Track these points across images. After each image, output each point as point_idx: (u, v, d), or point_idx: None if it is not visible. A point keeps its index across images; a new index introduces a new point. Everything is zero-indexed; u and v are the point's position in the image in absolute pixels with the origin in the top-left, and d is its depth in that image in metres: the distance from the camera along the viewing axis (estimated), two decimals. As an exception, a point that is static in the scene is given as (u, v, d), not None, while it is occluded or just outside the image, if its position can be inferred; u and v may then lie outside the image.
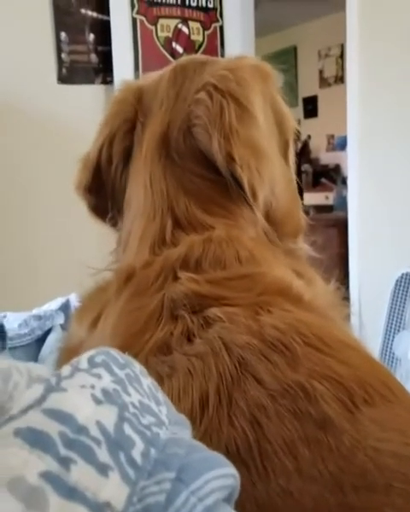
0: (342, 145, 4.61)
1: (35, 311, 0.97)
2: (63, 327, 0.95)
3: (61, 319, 0.97)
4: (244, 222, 0.70)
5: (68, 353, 0.64)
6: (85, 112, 2.68)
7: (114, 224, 0.82)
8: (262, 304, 0.58)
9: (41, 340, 0.92)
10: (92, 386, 0.33)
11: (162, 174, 0.72)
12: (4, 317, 0.92)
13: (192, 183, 0.70)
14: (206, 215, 0.69)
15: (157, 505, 0.31)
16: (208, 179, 0.71)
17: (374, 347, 2.63)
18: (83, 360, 0.36)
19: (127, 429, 0.33)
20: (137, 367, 0.39)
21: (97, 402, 0.33)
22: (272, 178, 0.72)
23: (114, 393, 0.34)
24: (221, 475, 0.34)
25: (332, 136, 5.32)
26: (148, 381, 0.39)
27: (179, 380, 0.51)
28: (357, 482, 0.42)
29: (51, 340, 0.90)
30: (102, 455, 0.30)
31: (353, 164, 2.83)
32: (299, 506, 0.42)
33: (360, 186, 2.79)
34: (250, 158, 0.69)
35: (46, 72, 2.77)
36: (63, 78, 2.81)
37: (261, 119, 0.72)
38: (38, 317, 0.94)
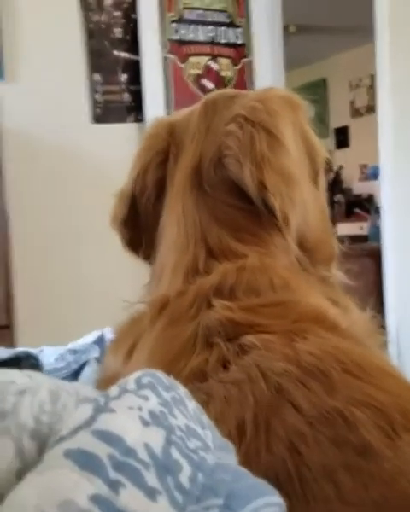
0: (374, 174, 4.60)
1: (71, 346, 0.99)
2: (98, 360, 0.96)
3: (96, 352, 0.98)
4: (277, 250, 0.71)
5: (105, 384, 0.64)
6: (118, 149, 2.74)
7: (147, 256, 0.83)
8: (298, 331, 0.58)
9: (76, 374, 0.93)
10: (140, 408, 0.33)
11: (194, 205, 0.73)
12: (41, 351, 0.94)
13: (224, 213, 0.72)
14: (239, 244, 0.69)
15: None
16: (240, 208, 0.72)
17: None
18: (130, 381, 0.35)
19: (175, 453, 0.32)
20: (182, 390, 0.39)
21: (145, 424, 0.32)
22: (304, 206, 0.73)
23: (160, 416, 0.34)
24: (269, 504, 0.34)
25: (365, 166, 5.32)
26: (193, 405, 0.39)
27: (216, 407, 0.51)
28: (400, 509, 0.42)
29: (87, 373, 0.92)
30: (151, 478, 0.30)
31: (386, 193, 2.83)
32: None
33: (394, 215, 2.78)
34: (282, 185, 0.70)
35: (81, 112, 2.86)
36: (97, 118, 2.89)
37: (292, 148, 0.73)
38: (74, 351, 0.96)
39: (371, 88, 5.24)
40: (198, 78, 3.31)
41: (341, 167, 5.54)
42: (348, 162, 5.49)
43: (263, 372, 0.52)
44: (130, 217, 0.83)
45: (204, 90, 3.33)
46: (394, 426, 0.47)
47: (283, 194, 0.70)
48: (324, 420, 0.48)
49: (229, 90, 0.85)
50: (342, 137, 5.68)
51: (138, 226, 0.83)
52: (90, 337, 1.02)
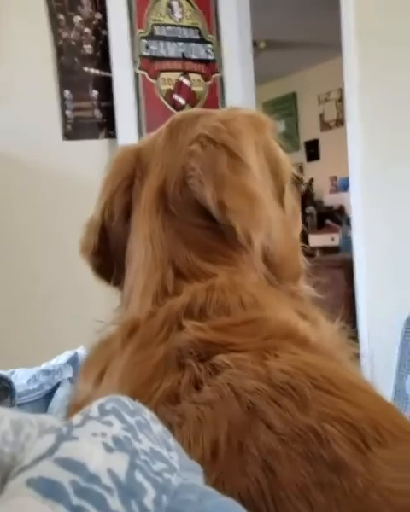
0: (344, 186, 4.66)
1: (44, 366, 0.99)
2: (71, 380, 0.97)
3: (69, 373, 0.98)
4: (245, 267, 0.71)
5: (76, 410, 0.64)
6: (90, 166, 2.74)
7: (119, 282, 0.82)
8: (269, 348, 0.58)
9: (50, 395, 0.93)
10: (103, 434, 0.33)
11: (161, 227, 0.73)
12: (13, 373, 0.94)
13: (191, 234, 0.72)
14: (207, 263, 0.70)
15: None
16: (207, 228, 0.72)
17: (386, 388, 2.61)
18: (94, 408, 0.36)
19: (139, 476, 0.33)
20: (148, 413, 0.39)
21: (108, 450, 0.33)
22: (268, 223, 0.73)
23: (124, 441, 0.34)
24: None
25: (335, 178, 5.38)
26: (159, 428, 0.39)
27: (190, 428, 0.51)
28: None
29: (60, 394, 0.92)
30: (114, 503, 0.30)
31: (356, 204, 2.87)
32: None
33: (364, 226, 2.82)
34: (243, 204, 0.70)
35: (51, 128, 2.86)
36: (68, 134, 2.89)
37: (255, 168, 0.74)
38: (47, 372, 0.96)
39: (340, 101, 5.32)
40: (170, 93, 3.33)
41: (312, 180, 5.60)
42: (318, 175, 5.55)
43: (235, 391, 0.52)
44: (100, 244, 0.83)
45: (176, 105, 3.35)
46: (365, 440, 0.48)
47: (244, 213, 0.70)
48: (296, 437, 0.48)
49: (195, 110, 0.86)
50: (312, 150, 5.75)
51: (109, 253, 0.83)
52: (64, 357, 1.02)
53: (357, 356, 0.74)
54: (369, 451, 0.47)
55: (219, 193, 0.70)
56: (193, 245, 0.71)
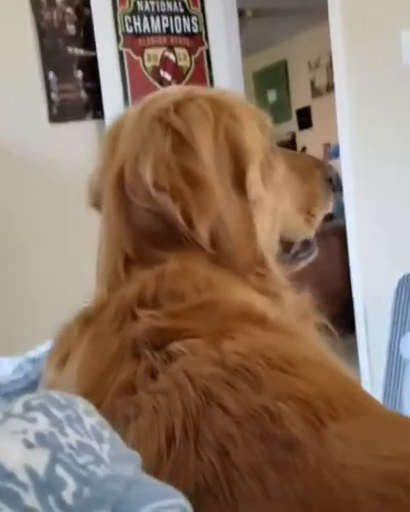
0: (337, 153, 4.64)
1: (28, 355, 1.01)
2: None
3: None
4: (196, 252, 0.69)
5: None
6: (78, 148, 2.74)
7: None
8: (224, 331, 0.58)
9: (36, 383, 0.95)
10: (25, 431, 0.34)
11: (116, 211, 0.72)
12: (-3, 364, 0.96)
13: (143, 219, 0.70)
14: (157, 249, 0.69)
15: None
16: (158, 213, 0.70)
17: (381, 351, 2.65)
18: (18, 405, 0.37)
19: (60, 470, 0.34)
20: (81, 407, 0.40)
21: (29, 446, 0.34)
22: (219, 210, 0.70)
23: (48, 436, 0.35)
24: (161, 507, 0.35)
25: (328, 145, 5.35)
26: (92, 420, 0.40)
27: (146, 419, 0.51)
28: (323, 500, 0.43)
29: (46, 382, 0.94)
30: (29, 499, 0.31)
31: (346, 170, 2.88)
32: None
33: (355, 192, 2.83)
34: (184, 188, 0.68)
35: (37, 112, 2.85)
36: (54, 118, 2.89)
37: (205, 152, 0.71)
38: (32, 360, 0.98)
39: (331, 66, 5.26)
40: (156, 70, 3.31)
41: (304, 148, 5.56)
42: (311, 142, 5.51)
43: (190, 377, 0.53)
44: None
45: (163, 82, 3.33)
46: (319, 416, 0.49)
47: (186, 197, 0.68)
48: (251, 418, 0.49)
49: (166, 90, 0.84)
50: (304, 118, 5.71)
51: None
52: (48, 344, 1.03)
53: (324, 325, 0.75)
54: (323, 427, 0.48)
55: (156, 174, 0.69)
56: (144, 230, 0.70)
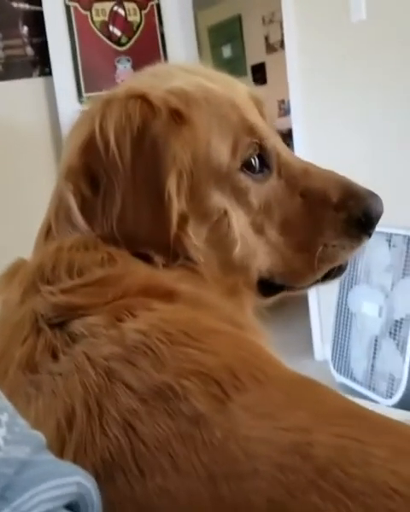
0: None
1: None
2: None
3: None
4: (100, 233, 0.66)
5: None
6: (26, 106, 2.70)
7: None
8: (124, 307, 0.57)
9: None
10: None
11: (56, 184, 0.72)
12: None
13: (65, 196, 0.68)
14: (68, 224, 0.67)
15: None
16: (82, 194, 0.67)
17: (330, 303, 2.72)
18: None
19: None
20: None
21: None
22: (124, 222, 0.66)
23: None
24: (55, 486, 0.35)
25: (283, 102, 5.32)
26: None
27: (44, 401, 0.51)
28: (228, 472, 0.43)
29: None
30: None
31: (297, 124, 2.92)
32: (175, 503, 0.43)
33: (305, 146, 2.88)
34: (86, 189, 0.66)
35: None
36: (0, 75, 2.82)
37: (119, 157, 0.65)
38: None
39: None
40: (105, 25, 3.25)
41: (261, 105, 5.51)
42: (266, 99, 5.47)
43: (91, 359, 0.52)
44: None
45: (112, 37, 3.27)
46: (224, 388, 0.49)
47: (87, 198, 0.66)
48: (155, 395, 0.48)
49: (141, 75, 0.77)
50: (259, 74, 5.66)
51: None
52: None
53: (240, 286, 0.72)
54: (228, 400, 0.48)
55: (65, 167, 0.68)
56: (65, 206, 0.68)
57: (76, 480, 0.37)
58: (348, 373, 2.68)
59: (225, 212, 0.69)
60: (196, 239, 0.68)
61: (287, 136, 5.32)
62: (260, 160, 0.71)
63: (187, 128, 0.67)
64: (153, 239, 0.66)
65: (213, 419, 0.47)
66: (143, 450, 0.46)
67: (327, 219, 0.72)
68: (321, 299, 2.94)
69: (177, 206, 0.66)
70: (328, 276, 0.76)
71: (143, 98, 0.67)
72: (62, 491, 0.36)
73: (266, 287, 0.75)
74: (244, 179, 0.70)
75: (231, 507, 0.42)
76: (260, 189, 0.71)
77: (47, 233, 0.70)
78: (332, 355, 2.76)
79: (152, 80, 0.73)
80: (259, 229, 0.71)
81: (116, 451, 0.46)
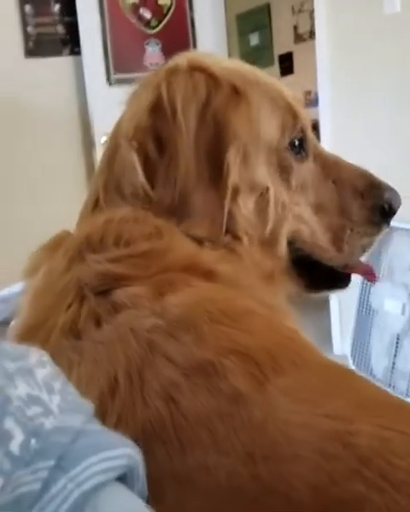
0: (317, 100, 4.61)
1: (1, 293, 1.02)
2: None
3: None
4: (154, 208, 0.68)
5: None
6: (54, 84, 2.69)
7: None
8: (167, 282, 0.58)
9: (7, 323, 0.96)
10: None
11: (105, 155, 0.74)
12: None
13: (119, 167, 0.71)
14: (119, 198, 0.69)
15: (30, 494, 0.32)
16: (130, 164, 0.69)
17: (351, 298, 2.71)
18: None
19: (8, 423, 0.34)
20: (34, 359, 0.40)
21: None
22: (183, 181, 0.68)
23: None
24: (107, 458, 0.36)
25: (309, 93, 5.29)
26: (44, 372, 0.40)
27: (87, 368, 0.52)
28: (267, 453, 0.44)
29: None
30: None
31: (324, 117, 2.89)
32: (214, 479, 0.43)
33: (332, 139, 2.85)
34: (153, 150, 0.68)
35: (13, 46, 2.79)
36: (31, 52, 2.83)
37: (184, 124, 0.68)
38: (4, 300, 0.99)
39: (314, 12, 5.15)
40: (135, 7, 3.23)
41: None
42: (292, 89, 5.43)
43: (133, 330, 0.53)
44: None
45: (142, 19, 3.26)
46: (262, 369, 0.49)
47: (152, 159, 0.68)
48: (196, 371, 0.49)
49: (195, 54, 0.80)
50: (286, 64, 5.62)
51: None
52: (18, 285, 1.04)
53: (283, 274, 0.75)
54: (267, 382, 0.48)
55: (129, 128, 0.70)
56: (116, 178, 0.71)
57: (127, 452, 0.37)
58: (367, 369, 2.66)
59: (268, 188, 0.72)
60: (244, 210, 0.71)
61: (313, 128, 5.27)
62: (300, 145, 0.76)
63: (244, 104, 0.71)
64: (207, 208, 0.69)
65: (252, 399, 0.47)
66: (183, 423, 0.46)
67: (356, 206, 0.78)
68: (342, 296, 2.92)
69: (232, 178, 0.69)
70: (329, 285, 0.83)
71: (206, 72, 0.71)
72: (114, 463, 0.36)
73: (302, 271, 0.78)
74: (289, 158, 0.74)
75: (270, 488, 0.42)
76: (299, 170, 0.75)
77: (94, 205, 0.71)
78: (352, 351, 2.75)
79: (207, 58, 0.76)
80: (295, 207, 0.76)
81: (157, 423, 0.46)
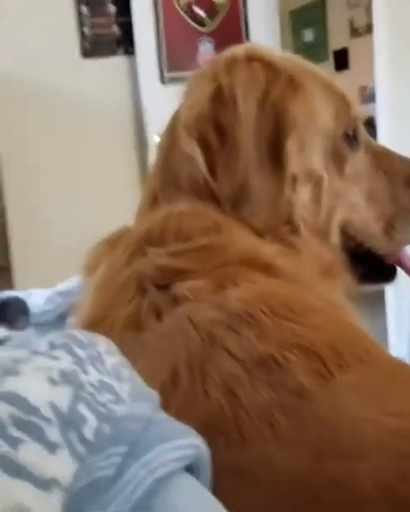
0: (373, 97, 4.53)
1: (60, 287, 1.04)
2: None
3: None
4: (213, 202, 0.69)
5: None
6: (109, 84, 2.73)
7: None
8: (228, 276, 0.58)
9: (64, 317, 0.97)
10: (49, 369, 0.35)
11: (161, 150, 0.75)
12: (29, 294, 0.99)
13: (176, 161, 0.71)
14: (178, 192, 0.70)
15: (105, 479, 0.32)
16: (189, 157, 0.70)
17: (408, 299, 2.64)
18: (43, 343, 0.38)
19: (82, 408, 0.34)
20: (103, 346, 0.41)
21: (53, 383, 0.34)
22: (245, 170, 0.68)
23: (71, 374, 0.36)
24: (177, 447, 0.36)
25: (365, 88, 5.21)
26: (113, 360, 0.40)
27: (149, 358, 0.52)
28: (333, 449, 0.43)
29: (74, 315, 0.96)
30: (52, 433, 0.32)
31: (382, 114, 2.83)
32: (276, 472, 0.43)
33: (390, 137, 2.79)
34: (214, 139, 0.69)
35: (69, 47, 2.84)
36: (86, 52, 2.87)
37: (245, 113, 0.69)
38: (63, 293, 1.01)
39: (371, 6, 5.07)
40: (189, 5, 3.24)
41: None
42: (347, 85, 5.35)
43: (194, 323, 0.53)
44: None
45: (196, 18, 3.26)
46: (326, 364, 0.49)
47: (213, 148, 0.69)
48: (258, 364, 0.49)
49: (249, 45, 0.79)
50: (341, 60, 5.55)
51: None
52: (75, 279, 1.05)
53: (341, 268, 0.74)
54: (332, 378, 0.48)
55: (189, 119, 0.70)
56: (174, 172, 0.71)
57: (193, 441, 0.37)
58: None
59: (322, 176, 0.73)
60: (301, 199, 0.72)
61: (367, 124, 5.20)
62: (353, 135, 0.77)
63: (301, 92, 0.72)
64: (267, 197, 0.69)
65: (316, 394, 0.47)
66: (244, 416, 0.46)
67: (407, 195, 0.80)
68: (399, 294, 2.87)
69: (291, 166, 0.70)
70: (377, 278, 0.83)
71: (263, 61, 0.72)
72: (182, 453, 0.36)
73: (354, 263, 0.78)
74: (344, 147, 0.75)
75: (335, 483, 0.42)
76: (353, 160, 0.76)
77: (152, 200, 0.72)
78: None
79: (263, 48, 0.77)
80: (348, 196, 0.77)
81: (218, 415, 0.46)
